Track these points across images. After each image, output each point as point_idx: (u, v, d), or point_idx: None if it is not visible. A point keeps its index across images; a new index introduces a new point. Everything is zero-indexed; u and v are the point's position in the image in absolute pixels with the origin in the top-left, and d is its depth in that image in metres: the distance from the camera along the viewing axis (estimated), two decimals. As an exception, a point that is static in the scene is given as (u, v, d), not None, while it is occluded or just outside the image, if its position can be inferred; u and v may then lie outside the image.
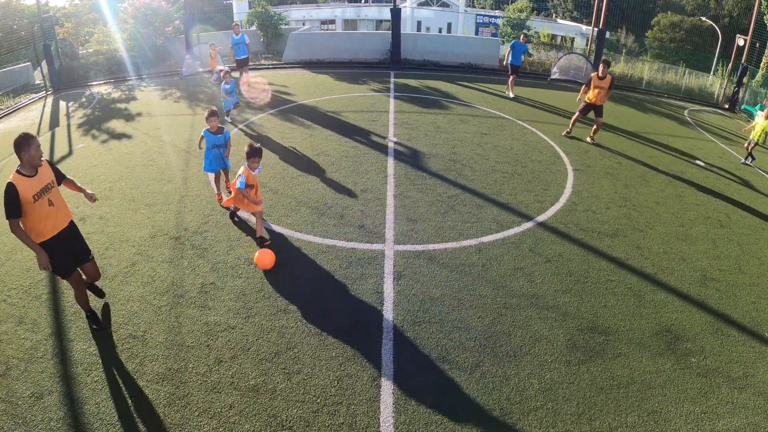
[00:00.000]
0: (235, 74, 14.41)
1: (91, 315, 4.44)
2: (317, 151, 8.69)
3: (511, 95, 13.36)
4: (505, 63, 13.31)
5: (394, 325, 4.59)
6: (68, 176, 4.39)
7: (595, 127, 9.80)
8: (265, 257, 5.28)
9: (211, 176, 7.13)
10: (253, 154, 5.33)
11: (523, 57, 13.34)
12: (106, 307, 4.73)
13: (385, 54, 17.09)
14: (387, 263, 5.51)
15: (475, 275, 5.39)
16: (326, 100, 12.17)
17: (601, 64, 9.42)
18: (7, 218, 3.77)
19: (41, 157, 3.93)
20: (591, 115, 9.95)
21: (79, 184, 4.46)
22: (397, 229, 6.21)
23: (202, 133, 6.46)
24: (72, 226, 4.29)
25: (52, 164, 4.15)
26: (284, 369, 4.06)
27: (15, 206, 3.75)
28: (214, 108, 6.54)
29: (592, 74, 9.60)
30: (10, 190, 3.73)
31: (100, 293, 4.81)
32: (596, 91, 9.47)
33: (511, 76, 13.30)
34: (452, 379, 4.04)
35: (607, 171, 8.64)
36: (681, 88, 18.16)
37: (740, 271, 5.94)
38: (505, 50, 13.47)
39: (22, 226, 3.86)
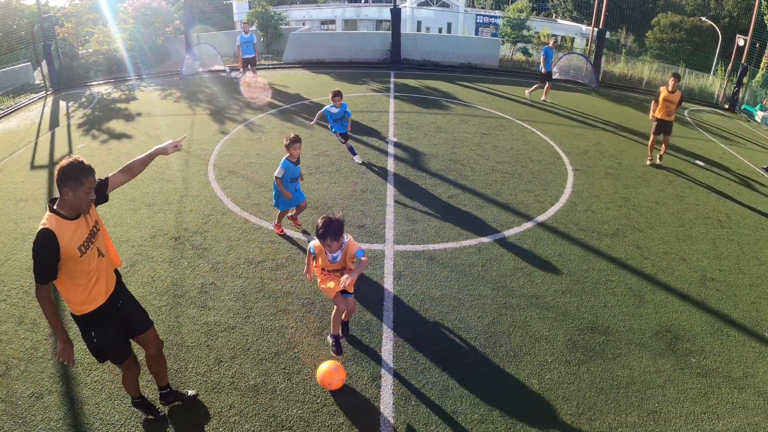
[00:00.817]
0: (236, 73, 14.43)
1: (140, 402, 3.44)
2: (317, 151, 8.69)
3: (548, 100, 13.11)
4: (544, 71, 12.78)
5: (394, 325, 4.59)
6: (115, 173, 3.12)
7: (663, 146, 8.99)
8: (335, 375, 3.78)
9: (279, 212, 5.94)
10: (330, 233, 3.55)
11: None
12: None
13: (385, 54, 17.09)
14: (387, 263, 5.51)
15: (475, 275, 5.39)
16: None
17: (671, 78, 8.67)
18: (36, 281, 2.63)
19: (90, 203, 2.71)
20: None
21: (142, 156, 3.23)
22: (397, 229, 6.21)
23: (281, 166, 5.39)
24: (120, 279, 3.17)
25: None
26: (284, 369, 4.06)
27: (52, 267, 2.61)
28: (297, 134, 5.46)
29: (661, 88, 8.87)
30: (49, 239, 2.55)
31: (183, 397, 3.61)
32: (666, 106, 8.76)
33: (546, 84, 12.92)
34: (452, 379, 4.04)
35: (607, 171, 8.64)
36: (681, 88, 18.15)
37: (740, 271, 5.94)
38: (541, 59, 12.88)
39: (63, 294, 2.79)
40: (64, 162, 2.59)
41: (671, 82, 8.63)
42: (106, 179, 3.01)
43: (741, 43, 16.02)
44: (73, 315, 2.90)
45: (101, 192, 2.90)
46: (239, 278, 5.19)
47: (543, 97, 13.18)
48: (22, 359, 4.08)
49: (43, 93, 13.67)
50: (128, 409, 3.63)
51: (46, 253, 2.53)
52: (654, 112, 8.95)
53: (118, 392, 3.77)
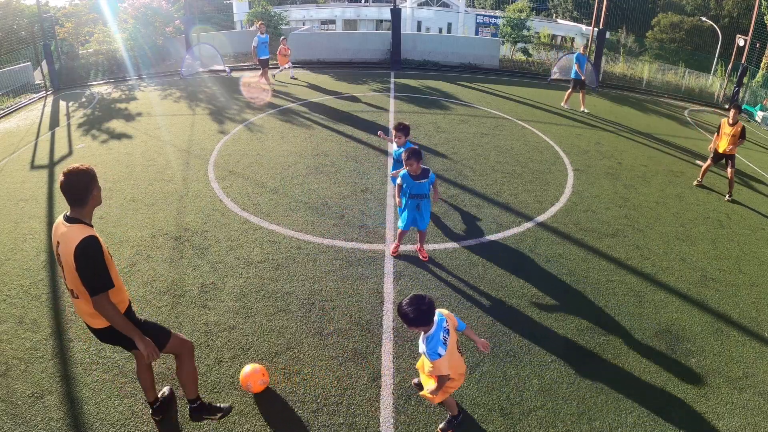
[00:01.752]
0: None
1: (156, 408, 3.47)
2: (317, 151, 8.69)
3: (585, 110, 12.53)
4: (579, 76, 12.28)
5: (394, 325, 4.58)
6: None
7: (729, 180, 8.10)
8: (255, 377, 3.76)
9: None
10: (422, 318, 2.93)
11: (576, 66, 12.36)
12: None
13: (385, 54, 17.10)
14: (387, 263, 5.51)
15: (475, 275, 5.39)
16: (326, 100, 12.17)
17: (732, 109, 7.97)
18: (97, 293, 2.68)
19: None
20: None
21: None
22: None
23: (399, 179, 4.93)
24: (131, 312, 3.29)
25: None
26: (284, 369, 4.06)
27: (107, 272, 2.73)
28: (416, 147, 4.84)
29: (722, 120, 8.17)
30: (98, 244, 2.70)
31: (216, 411, 3.50)
32: (725, 138, 8.05)
33: (581, 92, 12.49)
34: (452, 379, 4.03)
35: (607, 171, 8.64)
36: (681, 88, 18.17)
37: (740, 271, 5.94)
38: (574, 65, 12.29)
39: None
40: (82, 166, 2.73)
41: (732, 113, 7.94)
42: None
43: (741, 43, 16.02)
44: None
45: None
46: (239, 278, 5.19)
47: (582, 108, 12.56)
48: (22, 359, 4.08)
49: (43, 93, 13.68)
50: (128, 409, 3.63)
51: (100, 257, 2.65)
52: (714, 143, 8.34)
53: (118, 392, 3.77)
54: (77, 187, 2.69)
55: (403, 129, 5.64)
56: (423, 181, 4.89)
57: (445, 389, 3.14)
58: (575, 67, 12.28)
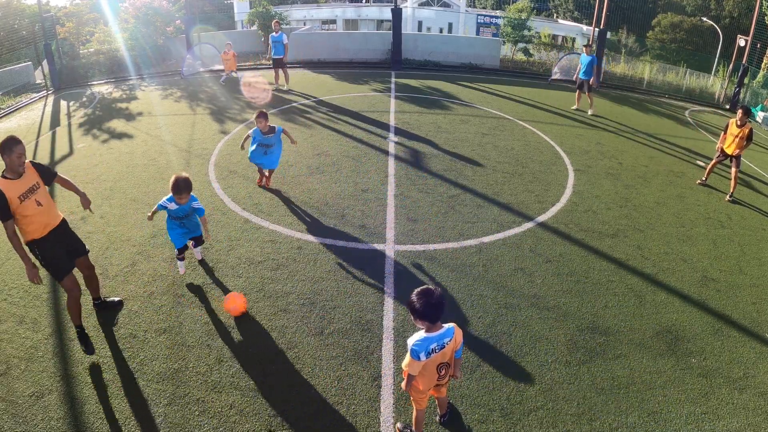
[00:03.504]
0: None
1: (80, 332, 4.26)
2: (318, 151, 8.69)
3: (590, 112, 12.45)
4: (575, 78, 12.49)
5: (394, 325, 4.58)
6: (64, 176, 4.38)
7: (731, 181, 8.15)
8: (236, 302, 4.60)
9: None
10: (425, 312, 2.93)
11: (593, 69, 12.18)
12: (114, 306, 4.69)
13: (386, 54, 17.09)
14: (387, 263, 5.51)
15: (476, 275, 5.39)
16: (327, 100, 12.17)
17: (739, 110, 7.98)
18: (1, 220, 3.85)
19: (22, 164, 3.91)
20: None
21: (77, 186, 4.45)
22: (397, 229, 6.21)
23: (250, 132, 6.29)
24: (64, 224, 4.33)
25: (37, 165, 4.14)
26: (284, 369, 4.06)
27: (5, 209, 3.81)
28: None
29: (730, 121, 8.23)
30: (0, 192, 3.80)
31: (115, 304, 4.73)
32: (732, 139, 8.09)
33: (587, 93, 12.37)
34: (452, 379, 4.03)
35: (607, 171, 8.64)
36: (682, 88, 18.15)
37: (741, 271, 5.93)
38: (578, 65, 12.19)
39: (18, 228, 3.90)
40: (1, 140, 3.80)
41: (739, 114, 7.93)
42: (55, 173, 4.33)
43: (742, 43, 16.00)
44: (26, 242, 4.04)
45: (47, 174, 4.20)
46: (239, 278, 5.19)
47: (590, 110, 12.51)
48: (23, 358, 4.08)
49: (43, 92, 13.68)
50: (128, 408, 3.64)
51: (3, 198, 3.79)
52: (720, 143, 8.33)
53: (119, 392, 3.78)
54: None
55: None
56: (270, 135, 6.68)
57: (411, 390, 3.20)
58: (578, 69, 12.35)
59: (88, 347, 4.21)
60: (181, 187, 4.57)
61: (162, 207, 4.76)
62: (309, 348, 4.29)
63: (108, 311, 4.66)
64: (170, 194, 4.66)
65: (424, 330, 2.98)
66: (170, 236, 5.00)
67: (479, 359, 4.25)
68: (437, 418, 3.67)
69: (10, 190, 3.84)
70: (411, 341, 2.97)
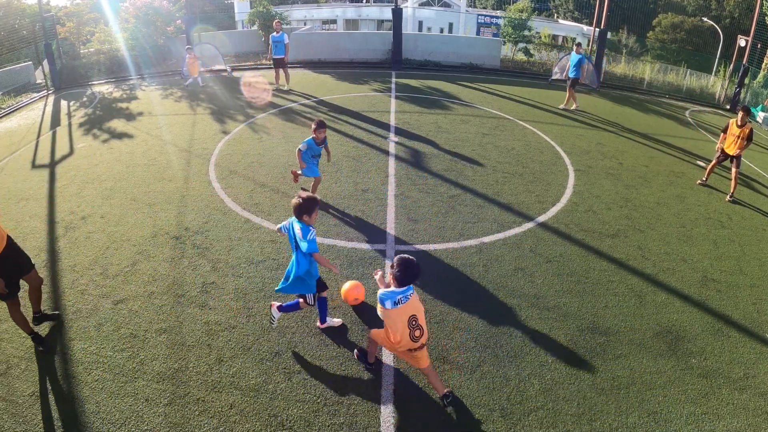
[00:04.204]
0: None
1: (34, 336, 4.24)
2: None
3: (573, 107, 12.67)
4: (564, 76, 12.72)
5: (394, 325, 4.58)
6: None
7: (732, 181, 8.13)
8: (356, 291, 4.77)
9: None
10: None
11: (583, 67, 12.33)
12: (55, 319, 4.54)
13: (386, 54, 17.09)
14: (388, 263, 5.50)
15: (476, 275, 5.39)
16: (327, 99, 12.17)
17: (740, 111, 7.97)
18: None
19: None
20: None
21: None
22: (398, 229, 6.21)
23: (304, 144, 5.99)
24: (10, 240, 4.17)
25: None
26: (284, 369, 4.06)
27: None
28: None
29: (731, 121, 8.22)
30: None
31: (51, 317, 4.57)
32: (732, 139, 8.09)
33: (569, 89, 12.60)
34: (453, 379, 4.04)
35: (608, 171, 8.64)
36: (682, 88, 18.14)
37: (741, 272, 5.93)
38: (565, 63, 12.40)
39: None
40: None
41: (740, 114, 7.95)
42: None
43: (742, 43, 16.00)
44: None
45: None
46: (240, 278, 5.19)
47: (574, 105, 12.74)
48: (23, 358, 4.08)
49: (44, 92, 13.68)
50: (128, 408, 3.64)
51: None
52: (720, 143, 8.35)
53: (119, 391, 3.78)
54: None
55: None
56: (322, 145, 6.54)
57: (382, 339, 3.65)
58: (567, 67, 12.49)
59: (44, 344, 4.23)
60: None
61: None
62: (309, 348, 4.29)
63: (43, 323, 4.50)
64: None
65: (393, 286, 3.42)
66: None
67: (479, 359, 4.25)
68: (441, 403, 3.72)
69: None
70: (380, 293, 3.44)
